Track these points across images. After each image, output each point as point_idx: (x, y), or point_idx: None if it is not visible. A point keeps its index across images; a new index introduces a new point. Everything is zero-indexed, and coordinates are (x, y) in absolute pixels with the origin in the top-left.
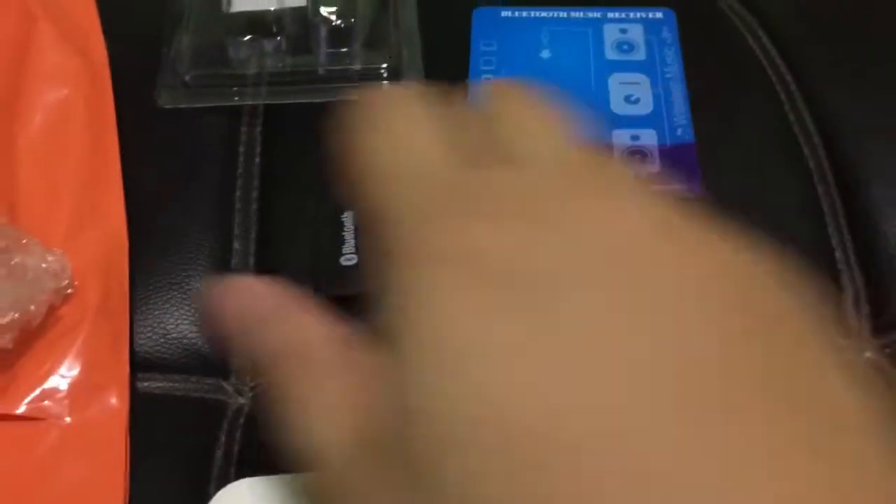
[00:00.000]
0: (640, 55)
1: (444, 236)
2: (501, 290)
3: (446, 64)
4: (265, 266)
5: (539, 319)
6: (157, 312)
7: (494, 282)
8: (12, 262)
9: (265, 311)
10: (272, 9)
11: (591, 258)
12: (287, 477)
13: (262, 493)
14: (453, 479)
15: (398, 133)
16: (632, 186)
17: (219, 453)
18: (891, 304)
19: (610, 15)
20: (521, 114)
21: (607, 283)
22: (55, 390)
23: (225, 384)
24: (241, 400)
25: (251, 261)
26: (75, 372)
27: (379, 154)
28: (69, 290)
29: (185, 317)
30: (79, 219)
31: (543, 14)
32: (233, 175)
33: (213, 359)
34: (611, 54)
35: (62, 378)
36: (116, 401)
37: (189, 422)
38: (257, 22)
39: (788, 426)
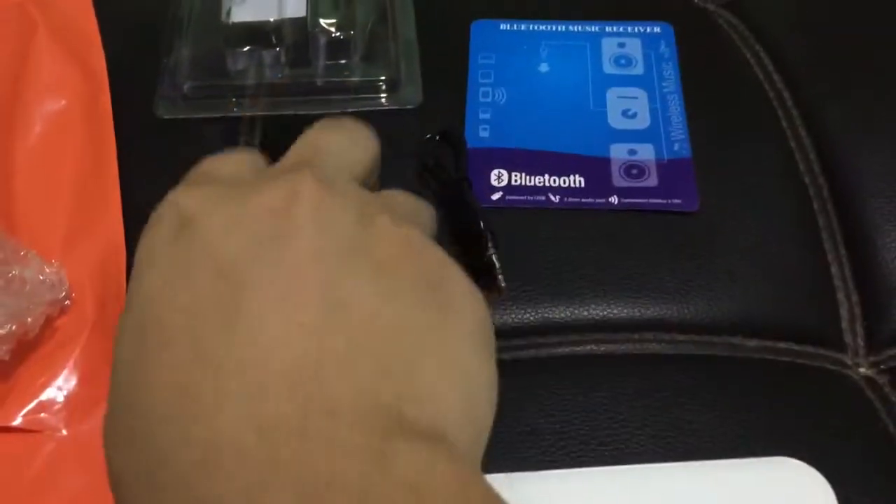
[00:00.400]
0: (638, 69)
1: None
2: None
3: (445, 77)
4: None
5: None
6: None
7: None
8: (10, 275)
9: None
10: (271, 20)
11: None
12: None
13: None
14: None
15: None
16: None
17: None
18: (887, 320)
19: (608, 29)
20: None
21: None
22: (52, 402)
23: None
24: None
25: None
26: (72, 384)
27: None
28: (66, 302)
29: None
30: (76, 230)
31: (542, 28)
32: None
33: None
34: (609, 68)
35: (59, 390)
36: None
37: None
38: (256, 33)
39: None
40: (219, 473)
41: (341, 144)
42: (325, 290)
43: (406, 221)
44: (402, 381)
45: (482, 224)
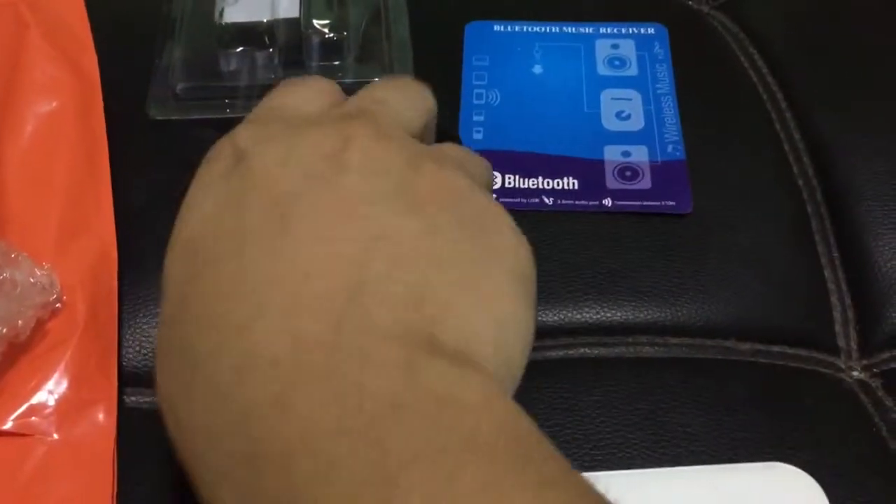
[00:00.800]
0: (632, 71)
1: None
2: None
3: (438, 78)
4: None
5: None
6: (145, 326)
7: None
8: (1, 277)
9: None
10: (264, 21)
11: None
12: None
13: None
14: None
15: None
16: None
17: None
18: (880, 324)
19: (602, 30)
20: None
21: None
22: (42, 406)
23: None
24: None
25: None
26: (63, 387)
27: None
28: (57, 305)
29: None
30: (68, 232)
31: (536, 29)
32: None
33: None
34: (603, 70)
35: (50, 394)
36: (104, 417)
37: None
38: (249, 34)
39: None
40: (251, 380)
41: (399, 99)
42: (368, 226)
43: (455, 168)
44: (437, 310)
45: None
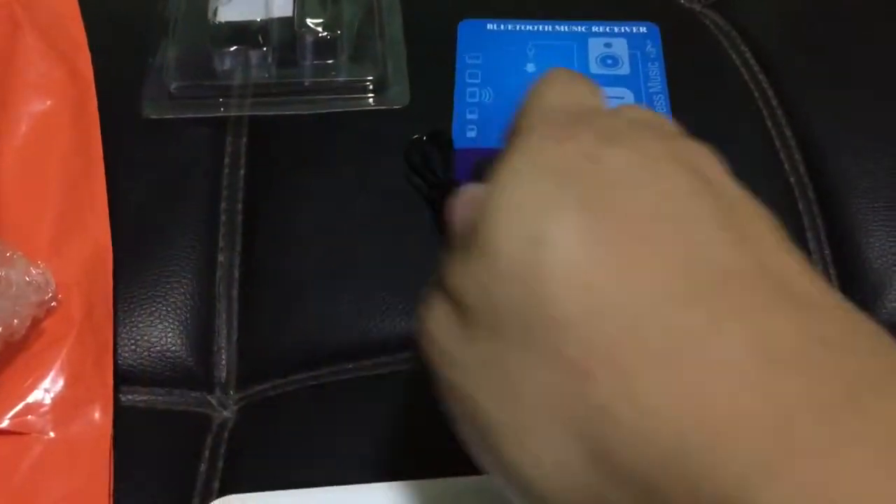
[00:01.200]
0: (624, 69)
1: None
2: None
3: (432, 76)
4: (251, 279)
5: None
6: (141, 325)
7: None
8: None
9: None
10: (258, 20)
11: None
12: (272, 495)
13: None
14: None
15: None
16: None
17: (203, 467)
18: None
19: (594, 29)
20: None
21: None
22: (38, 404)
23: (210, 397)
24: (226, 413)
25: (236, 273)
26: (59, 386)
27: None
28: (53, 304)
29: (169, 329)
30: (62, 231)
31: (529, 28)
32: (218, 187)
33: (197, 371)
34: (595, 68)
35: (46, 392)
36: (100, 415)
37: (173, 436)
38: (243, 33)
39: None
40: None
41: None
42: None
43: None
44: None
45: None
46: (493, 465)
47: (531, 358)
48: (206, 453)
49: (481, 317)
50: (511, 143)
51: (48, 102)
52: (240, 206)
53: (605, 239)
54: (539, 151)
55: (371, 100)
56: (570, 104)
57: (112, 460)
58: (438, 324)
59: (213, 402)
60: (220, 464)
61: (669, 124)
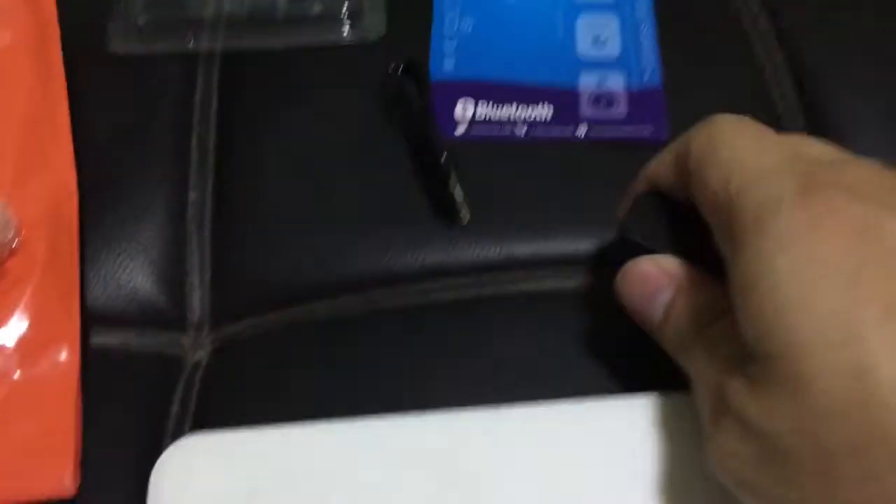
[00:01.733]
0: None
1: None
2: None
3: (409, 6)
4: (223, 218)
5: None
6: (110, 265)
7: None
8: None
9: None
10: None
11: None
12: (241, 431)
13: (214, 447)
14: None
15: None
16: None
17: (174, 408)
18: None
19: None
20: None
21: None
22: (2, 347)
23: (183, 338)
24: (200, 354)
25: (208, 212)
26: (23, 327)
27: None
28: (15, 244)
29: (139, 269)
30: (25, 170)
31: None
32: (188, 124)
33: (169, 312)
34: None
35: (10, 334)
36: (67, 356)
37: (145, 376)
38: None
39: None
40: None
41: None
42: None
43: None
44: None
45: (444, 158)
46: None
47: (869, 490)
48: (179, 394)
49: (805, 460)
50: (756, 226)
51: (7, 37)
52: (211, 144)
53: None
54: (822, 239)
55: (346, 31)
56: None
57: (80, 401)
58: (738, 457)
59: (187, 342)
60: (193, 405)
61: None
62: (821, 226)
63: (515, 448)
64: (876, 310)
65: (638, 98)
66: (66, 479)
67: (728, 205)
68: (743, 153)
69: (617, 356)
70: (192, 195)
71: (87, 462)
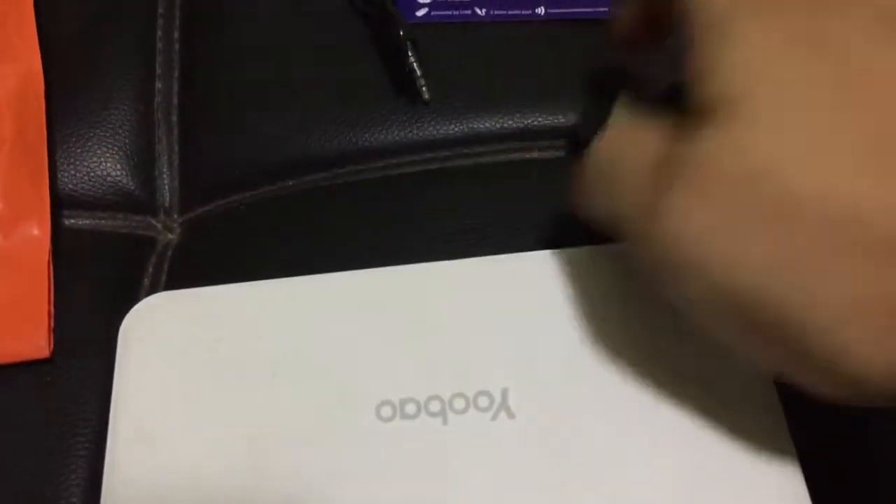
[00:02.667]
0: None
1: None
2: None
3: None
4: (190, 104)
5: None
6: (79, 151)
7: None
8: None
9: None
10: None
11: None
12: (206, 289)
13: (180, 304)
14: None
15: None
16: None
17: (146, 282)
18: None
19: None
20: None
21: None
22: None
23: (154, 221)
24: (171, 236)
25: (175, 99)
26: None
27: None
28: None
29: (108, 155)
30: None
31: None
32: (154, 13)
33: (140, 196)
34: None
35: None
36: (38, 231)
37: (116, 255)
38: None
39: None
40: None
41: None
42: None
43: None
44: None
45: (402, 31)
46: (792, 358)
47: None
48: (150, 269)
49: (767, 203)
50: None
51: None
52: (176, 34)
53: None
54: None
55: None
56: None
57: (52, 273)
58: (691, 225)
59: (158, 225)
60: (163, 278)
61: None
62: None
63: (465, 298)
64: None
65: None
66: (40, 342)
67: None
68: None
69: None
70: (159, 84)
71: (61, 328)
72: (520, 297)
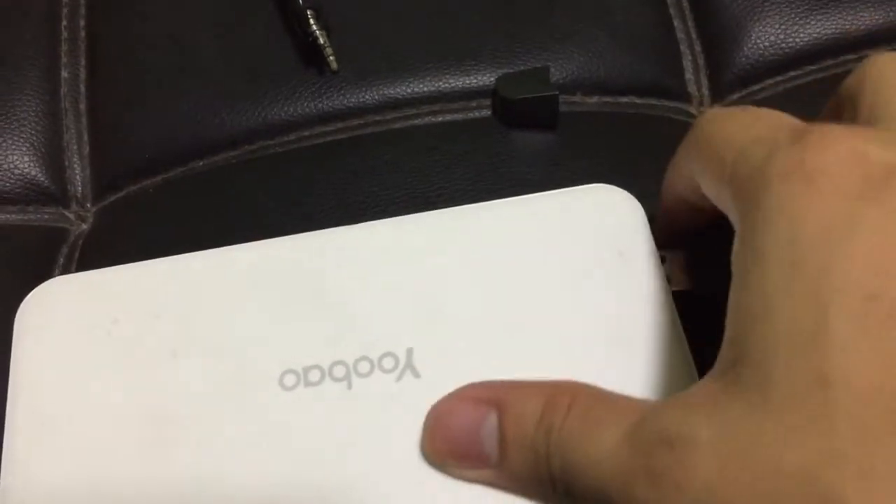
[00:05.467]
0: None
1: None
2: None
3: None
4: (97, 91)
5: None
6: None
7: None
8: None
9: None
10: None
11: None
12: (102, 271)
13: (77, 286)
14: None
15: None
16: None
17: (57, 273)
18: (729, 67)
19: None
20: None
21: None
22: None
23: (66, 212)
24: (84, 226)
25: (82, 87)
26: None
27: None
28: None
29: (15, 147)
30: None
31: None
32: (58, 1)
33: (51, 188)
34: None
35: None
36: None
37: (28, 248)
38: None
39: None
40: None
41: None
42: None
43: None
44: None
45: (301, 1)
46: None
47: None
48: (61, 260)
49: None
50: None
51: None
52: (82, 23)
53: None
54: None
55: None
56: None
57: None
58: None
59: (71, 215)
60: (74, 266)
61: None
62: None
63: (365, 262)
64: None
65: None
66: None
67: (728, 180)
68: (733, 128)
69: (496, 187)
70: (65, 73)
71: None
72: (418, 257)
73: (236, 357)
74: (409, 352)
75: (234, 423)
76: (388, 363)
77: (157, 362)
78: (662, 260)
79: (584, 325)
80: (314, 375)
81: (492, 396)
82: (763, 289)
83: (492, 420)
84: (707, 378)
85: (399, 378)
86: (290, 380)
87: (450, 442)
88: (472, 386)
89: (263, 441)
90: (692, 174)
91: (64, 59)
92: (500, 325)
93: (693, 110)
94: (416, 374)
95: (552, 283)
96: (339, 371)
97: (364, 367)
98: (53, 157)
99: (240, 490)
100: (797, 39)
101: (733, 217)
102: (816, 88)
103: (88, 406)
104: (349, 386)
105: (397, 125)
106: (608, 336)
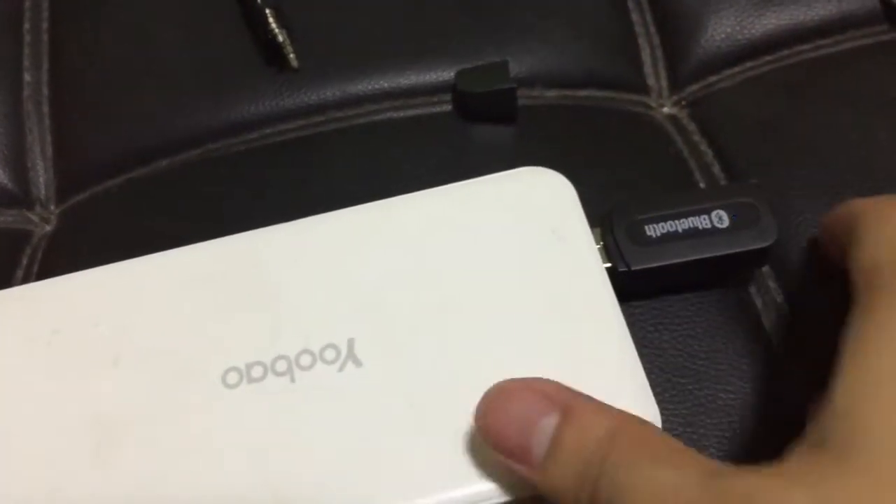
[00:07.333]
0: None
1: None
2: None
3: None
4: (60, 94)
5: None
6: None
7: None
8: None
9: None
10: None
11: None
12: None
13: (16, 299)
14: None
15: None
16: None
17: (19, 275)
18: (687, 59)
19: None
20: None
21: None
22: None
23: (30, 214)
24: (48, 227)
25: (45, 90)
26: None
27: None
28: None
29: None
30: None
31: None
32: (20, 6)
33: (14, 189)
34: None
35: None
36: None
37: None
38: None
39: None
40: None
41: None
42: None
43: None
44: None
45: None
46: None
47: None
48: (24, 261)
49: None
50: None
51: None
52: (45, 25)
53: None
54: None
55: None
56: None
57: None
58: None
59: (35, 217)
60: (36, 268)
61: None
62: None
63: (303, 257)
64: None
65: None
66: None
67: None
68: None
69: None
70: (28, 77)
71: None
72: (356, 249)
73: (178, 359)
74: (351, 342)
75: (180, 424)
76: (329, 354)
77: (98, 370)
78: None
79: (522, 303)
80: (257, 371)
81: (561, 399)
82: (881, 367)
83: (551, 420)
84: (804, 447)
85: (341, 368)
86: (232, 377)
87: (500, 423)
88: (546, 381)
89: (209, 440)
90: (848, 234)
91: (26, 63)
92: (439, 310)
93: (652, 102)
94: (359, 364)
95: (489, 264)
96: (282, 365)
97: (306, 359)
98: (16, 160)
99: (188, 491)
100: (753, 31)
101: (858, 292)
102: (772, 79)
103: (32, 417)
104: (292, 379)
105: (358, 121)
106: (545, 312)
